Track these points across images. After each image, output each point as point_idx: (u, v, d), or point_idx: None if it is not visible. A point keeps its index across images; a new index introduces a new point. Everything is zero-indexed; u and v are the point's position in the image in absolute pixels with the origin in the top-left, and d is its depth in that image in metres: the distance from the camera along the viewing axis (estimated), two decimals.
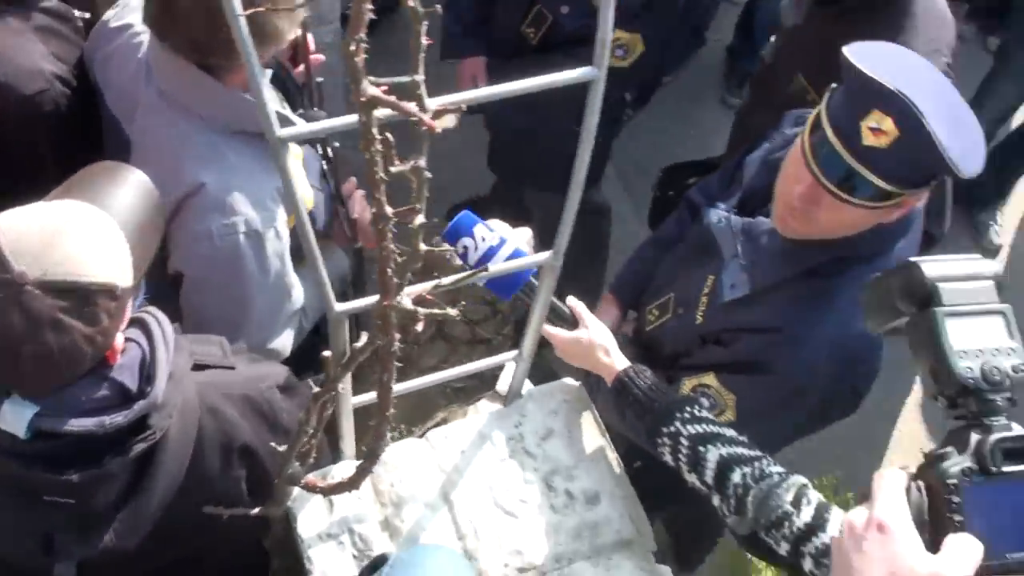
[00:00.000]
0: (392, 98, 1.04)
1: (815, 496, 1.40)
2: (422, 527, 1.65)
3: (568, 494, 1.70)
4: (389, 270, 1.17)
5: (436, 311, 1.30)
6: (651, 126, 3.99)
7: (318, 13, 2.80)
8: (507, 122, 2.75)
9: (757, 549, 1.43)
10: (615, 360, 1.68)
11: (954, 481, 0.91)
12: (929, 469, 0.94)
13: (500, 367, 1.86)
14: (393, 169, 1.17)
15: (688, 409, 1.56)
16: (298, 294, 1.88)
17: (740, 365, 1.70)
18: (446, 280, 1.34)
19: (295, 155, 1.91)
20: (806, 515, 1.37)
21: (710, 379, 1.72)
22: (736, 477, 1.45)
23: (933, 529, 0.91)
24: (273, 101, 1.91)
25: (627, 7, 2.11)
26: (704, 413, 1.57)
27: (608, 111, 2.68)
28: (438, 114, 1.11)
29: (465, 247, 1.60)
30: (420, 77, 1.13)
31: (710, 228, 1.83)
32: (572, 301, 1.70)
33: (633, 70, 2.45)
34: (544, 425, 1.76)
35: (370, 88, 1.05)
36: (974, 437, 0.93)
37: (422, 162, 1.18)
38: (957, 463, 0.92)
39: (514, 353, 1.68)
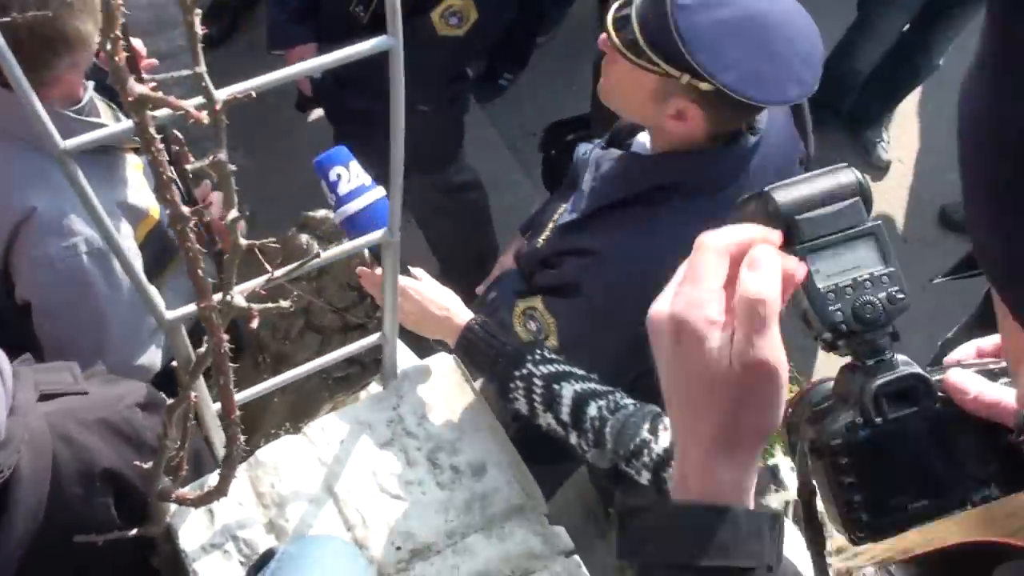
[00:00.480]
0: (159, 94, 1.01)
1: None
2: (308, 524, 1.62)
3: (454, 469, 1.68)
4: (200, 271, 1.14)
5: (271, 305, 1.27)
6: (532, 89, 3.97)
7: (162, 16, 2.72)
8: (345, 109, 2.70)
9: (619, 483, 1.42)
10: (456, 315, 1.65)
11: (838, 440, 0.80)
12: (811, 428, 0.83)
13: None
14: (189, 166, 1.14)
15: (538, 351, 1.56)
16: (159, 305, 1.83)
17: (561, 288, 1.72)
18: (279, 272, 1.31)
19: (135, 165, 1.86)
20: (664, 441, 1.37)
21: (537, 302, 1.73)
22: (592, 410, 1.45)
23: (825, 497, 0.82)
24: (103, 112, 1.85)
25: None
26: (553, 355, 1.56)
27: (448, 86, 2.66)
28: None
29: (339, 175, 1.60)
30: (202, 68, 1.10)
31: (575, 161, 1.87)
32: (414, 270, 1.69)
33: (470, 39, 2.41)
34: (422, 403, 1.73)
35: (137, 87, 1.01)
36: (855, 384, 0.81)
37: (222, 155, 1.15)
38: (841, 419, 0.81)
39: (378, 335, 1.65)
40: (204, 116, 0.97)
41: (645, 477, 1.37)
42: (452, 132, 2.87)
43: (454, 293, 1.70)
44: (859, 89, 3.96)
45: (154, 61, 1.94)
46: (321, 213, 1.77)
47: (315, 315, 1.80)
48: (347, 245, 1.37)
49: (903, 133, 4.18)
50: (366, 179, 1.62)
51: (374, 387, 1.83)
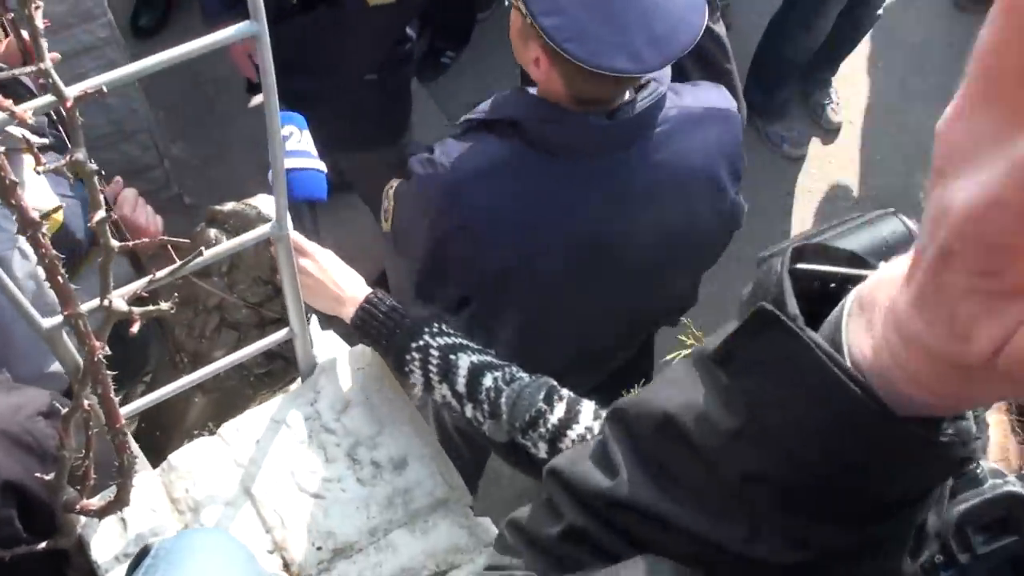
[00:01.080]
0: None
1: (566, 392, 1.37)
2: (225, 527, 1.57)
3: (374, 464, 1.64)
4: (60, 278, 1.09)
5: (151, 308, 1.22)
6: (475, 65, 3.91)
7: (79, 8, 2.65)
8: (292, 91, 2.63)
9: (516, 456, 1.39)
10: (352, 291, 1.60)
11: None
12: None
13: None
14: (40, 169, 1.08)
15: (436, 324, 1.53)
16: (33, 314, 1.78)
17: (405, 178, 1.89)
18: (161, 273, 1.25)
19: (34, 167, 1.79)
20: (559, 411, 1.34)
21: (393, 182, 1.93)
22: (488, 381, 1.42)
23: None
24: None
25: None
26: (451, 329, 1.53)
27: (392, 50, 2.59)
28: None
29: (290, 133, 1.66)
30: (49, 64, 1.04)
31: None
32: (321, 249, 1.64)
33: (403, 2, 2.35)
34: (341, 398, 1.69)
35: None
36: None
37: (79, 155, 1.09)
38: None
39: (286, 330, 1.60)
40: (29, 116, 0.91)
41: (542, 449, 1.34)
42: (402, 100, 2.81)
43: (356, 273, 1.65)
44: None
45: (56, 55, 1.87)
46: (229, 206, 1.71)
47: (229, 311, 1.75)
48: (233, 241, 1.32)
49: (854, 94, 4.13)
50: (312, 149, 1.64)
51: (298, 382, 1.78)
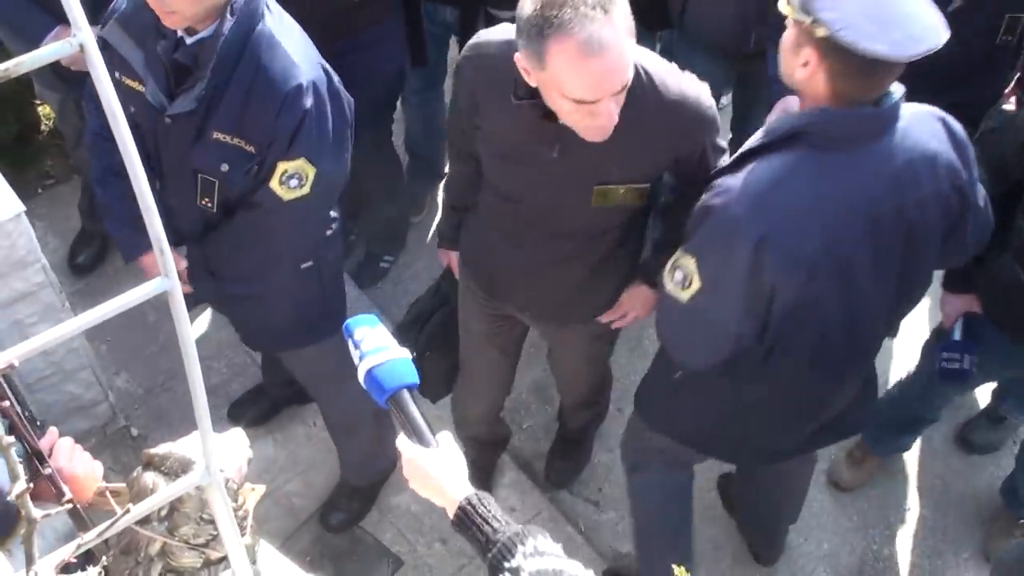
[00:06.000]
0: None
1: None
2: None
3: None
4: None
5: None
6: (412, 269, 3.98)
7: (13, 256, 2.67)
8: (232, 297, 2.66)
9: None
10: (450, 489, 1.60)
11: None
12: None
13: None
14: None
15: (530, 540, 1.51)
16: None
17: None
18: (87, 537, 1.22)
19: None
20: None
21: (677, 252, 2.20)
22: None
23: None
24: None
25: None
26: (546, 548, 1.51)
27: (319, 241, 2.61)
28: None
29: (363, 336, 1.64)
30: None
31: None
32: (442, 435, 1.64)
33: (319, 194, 2.41)
34: None
35: None
36: None
37: None
38: None
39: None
40: None
41: None
42: (338, 284, 2.81)
43: (459, 459, 1.64)
44: None
45: None
46: (163, 449, 1.68)
47: (173, 555, 1.69)
48: (160, 494, 1.29)
49: None
50: (389, 341, 1.64)
51: None
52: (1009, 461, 3.41)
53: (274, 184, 2.32)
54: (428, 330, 2.83)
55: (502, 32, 2.17)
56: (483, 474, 3.31)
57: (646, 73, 2.09)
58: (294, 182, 2.32)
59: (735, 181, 2.01)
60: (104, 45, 2.29)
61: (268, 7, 2.30)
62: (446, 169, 3.24)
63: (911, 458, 3.59)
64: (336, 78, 2.38)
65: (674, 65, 2.20)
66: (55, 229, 3.96)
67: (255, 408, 3.50)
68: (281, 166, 2.30)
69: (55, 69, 2.82)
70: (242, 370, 3.61)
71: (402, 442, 1.64)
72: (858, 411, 2.53)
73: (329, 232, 2.63)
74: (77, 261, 3.81)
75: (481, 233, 2.55)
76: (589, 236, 2.36)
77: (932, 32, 1.89)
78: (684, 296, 2.11)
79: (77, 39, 0.84)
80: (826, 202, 2.02)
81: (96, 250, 3.82)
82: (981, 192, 2.23)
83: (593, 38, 1.82)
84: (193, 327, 3.65)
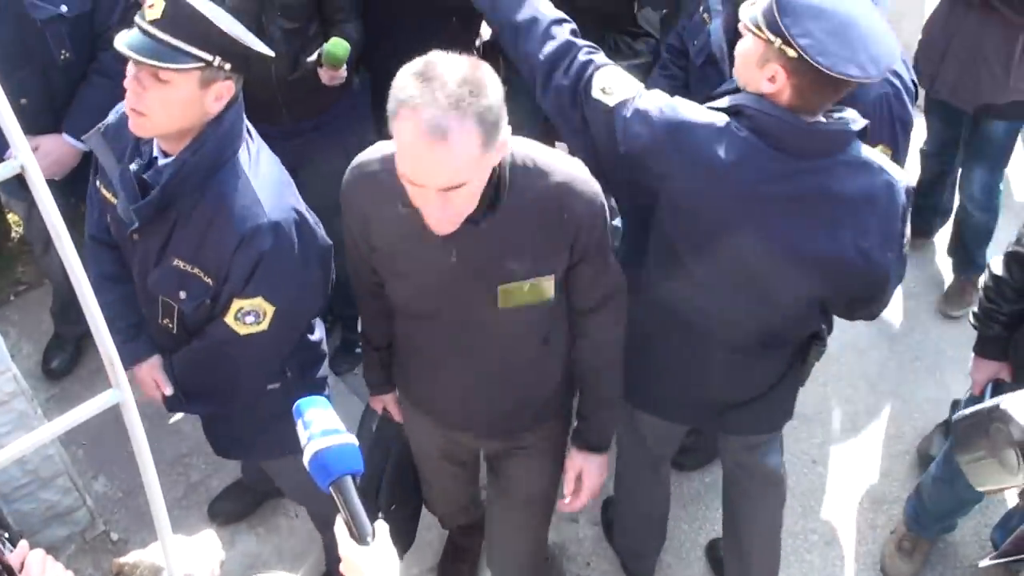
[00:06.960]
0: None
1: None
2: None
3: None
4: None
5: None
6: None
7: None
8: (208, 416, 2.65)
9: None
10: None
11: None
12: None
13: None
14: None
15: None
16: None
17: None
18: None
19: None
20: None
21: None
22: None
23: None
24: None
25: None
26: None
27: (272, 374, 2.56)
28: None
29: (312, 419, 1.58)
30: None
31: None
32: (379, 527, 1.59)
33: (277, 329, 2.36)
34: None
35: None
36: None
37: None
38: None
39: None
40: None
41: None
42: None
43: (392, 559, 1.58)
44: None
45: None
46: (133, 558, 1.66)
47: None
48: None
49: None
50: (339, 424, 1.60)
51: None
52: None
53: (229, 319, 2.28)
54: (385, 490, 2.68)
55: (381, 148, 2.12)
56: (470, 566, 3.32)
57: (533, 162, 2.05)
58: (250, 319, 2.28)
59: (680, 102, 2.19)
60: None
61: (250, 140, 2.29)
62: None
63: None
64: (311, 219, 2.34)
65: (562, 150, 2.25)
66: (28, 335, 3.95)
67: (236, 503, 3.46)
68: (237, 303, 2.26)
69: (20, 178, 2.83)
70: (221, 465, 3.57)
71: (339, 530, 1.57)
72: (773, 409, 2.61)
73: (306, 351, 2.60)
74: (51, 366, 3.79)
75: (406, 361, 2.48)
76: (506, 345, 2.27)
77: (889, 51, 2.07)
78: (610, 102, 2.21)
79: (18, 160, 0.86)
80: (718, 159, 2.14)
81: (70, 354, 3.81)
82: (893, 254, 2.24)
83: (434, 123, 1.76)
84: (171, 423, 3.67)
